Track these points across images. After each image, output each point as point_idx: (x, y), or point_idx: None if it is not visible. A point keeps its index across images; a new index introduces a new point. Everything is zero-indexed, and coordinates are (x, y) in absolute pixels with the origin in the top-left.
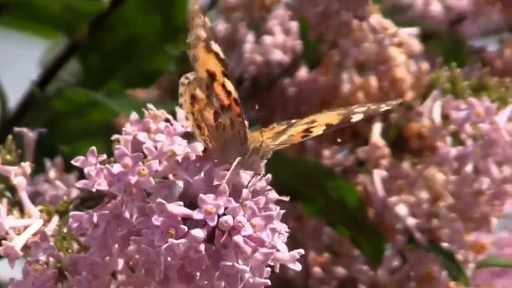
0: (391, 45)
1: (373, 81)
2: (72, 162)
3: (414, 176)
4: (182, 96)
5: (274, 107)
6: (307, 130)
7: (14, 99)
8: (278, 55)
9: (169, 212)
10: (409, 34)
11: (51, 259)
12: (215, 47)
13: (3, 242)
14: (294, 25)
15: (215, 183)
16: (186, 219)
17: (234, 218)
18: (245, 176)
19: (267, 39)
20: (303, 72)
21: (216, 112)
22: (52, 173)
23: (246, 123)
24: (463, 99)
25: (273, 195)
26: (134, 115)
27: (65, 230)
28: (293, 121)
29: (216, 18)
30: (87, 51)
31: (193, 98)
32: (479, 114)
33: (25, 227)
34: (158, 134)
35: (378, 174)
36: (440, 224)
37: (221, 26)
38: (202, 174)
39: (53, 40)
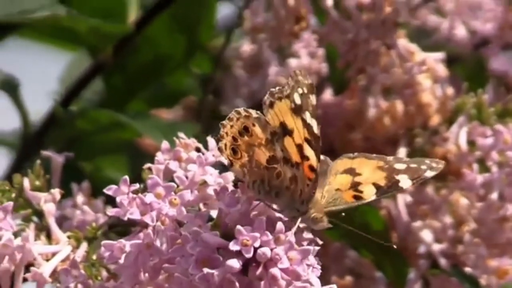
0: (420, 73)
1: (399, 105)
2: (105, 190)
3: (438, 201)
4: (231, 120)
5: None
6: (355, 189)
7: (33, 112)
8: None
9: (204, 241)
10: (435, 59)
11: (80, 286)
12: (310, 120)
13: (32, 268)
14: (320, 49)
15: (252, 215)
16: (220, 250)
17: (272, 250)
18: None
19: (292, 62)
20: (328, 95)
21: (274, 158)
22: (79, 198)
23: None
24: (489, 125)
25: (308, 235)
26: (165, 144)
27: (93, 256)
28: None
29: (241, 38)
30: (111, 72)
31: (246, 130)
32: (506, 142)
33: (53, 253)
34: (190, 164)
35: (402, 199)
36: (464, 249)
37: (246, 47)
38: (240, 205)
39: (75, 54)
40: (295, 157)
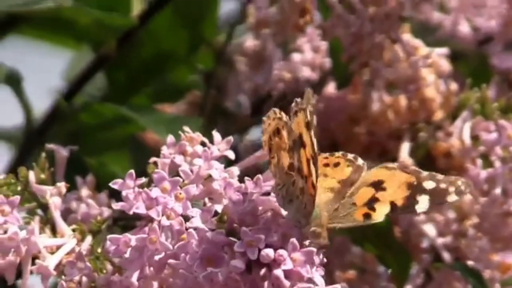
0: (424, 66)
1: (402, 100)
2: (110, 184)
3: None
4: (269, 118)
5: None
6: (370, 206)
7: (36, 108)
8: (306, 73)
9: (210, 240)
10: (439, 54)
11: (84, 279)
12: (314, 139)
13: (37, 261)
14: (323, 43)
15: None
16: (225, 247)
17: (275, 251)
18: None
19: (296, 56)
20: (331, 89)
21: (292, 166)
22: (84, 191)
23: None
24: (492, 120)
25: None
26: (171, 138)
27: (98, 250)
28: (350, 156)
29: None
30: (114, 66)
31: (278, 132)
32: (510, 137)
33: (58, 246)
34: (195, 158)
35: None
36: (467, 243)
37: (250, 42)
38: (246, 204)
39: (77, 51)
40: (306, 170)
